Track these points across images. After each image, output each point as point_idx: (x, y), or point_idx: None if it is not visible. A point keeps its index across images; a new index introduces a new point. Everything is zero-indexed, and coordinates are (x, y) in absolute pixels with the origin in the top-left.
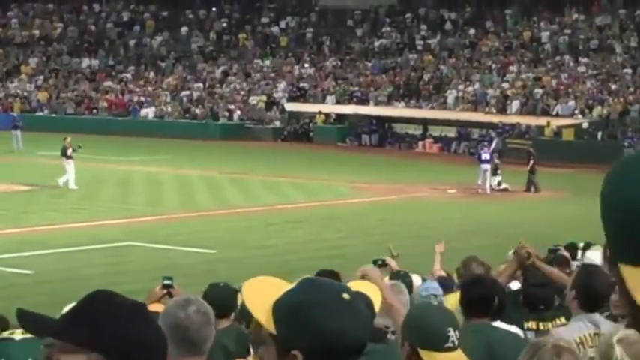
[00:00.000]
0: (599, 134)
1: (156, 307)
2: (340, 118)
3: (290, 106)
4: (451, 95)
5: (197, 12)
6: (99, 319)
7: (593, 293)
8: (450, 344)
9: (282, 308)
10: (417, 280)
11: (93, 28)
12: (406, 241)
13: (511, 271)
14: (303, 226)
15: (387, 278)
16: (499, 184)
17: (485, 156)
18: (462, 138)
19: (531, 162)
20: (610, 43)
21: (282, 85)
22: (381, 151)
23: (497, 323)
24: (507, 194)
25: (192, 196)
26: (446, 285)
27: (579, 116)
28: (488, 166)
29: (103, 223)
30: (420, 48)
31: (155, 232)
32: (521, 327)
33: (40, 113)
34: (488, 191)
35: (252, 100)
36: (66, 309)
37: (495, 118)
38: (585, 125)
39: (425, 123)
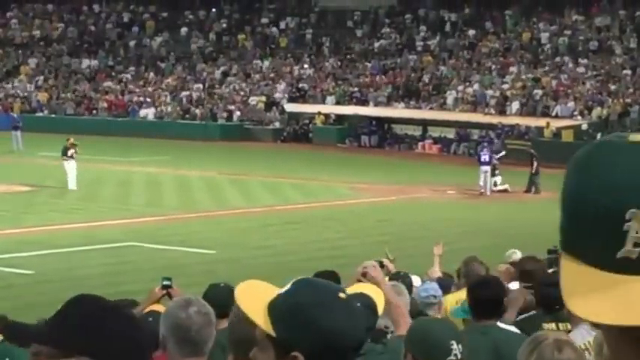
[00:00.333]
0: (599, 135)
1: (156, 308)
2: (340, 118)
3: (290, 107)
4: (451, 96)
5: (197, 13)
6: (84, 322)
7: None
8: (452, 357)
9: (280, 310)
10: (416, 281)
11: (93, 28)
12: (405, 241)
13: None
14: (302, 227)
15: (386, 280)
16: (495, 184)
17: (485, 157)
18: (462, 139)
19: (535, 164)
20: (610, 44)
21: (281, 85)
22: (380, 152)
23: (502, 324)
24: (507, 195)
25: (191, 196)
26: (444, 285)
27: (579, 117)
28: (488, 168)
29: (103, 224)
30: (419, 49)
31: (155, 233)
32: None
33: (40, 114)
34: (488, 192)
35: (252, 100)
36: None
37: (495, 119)
38: (585, 126)
39: (424, 124)
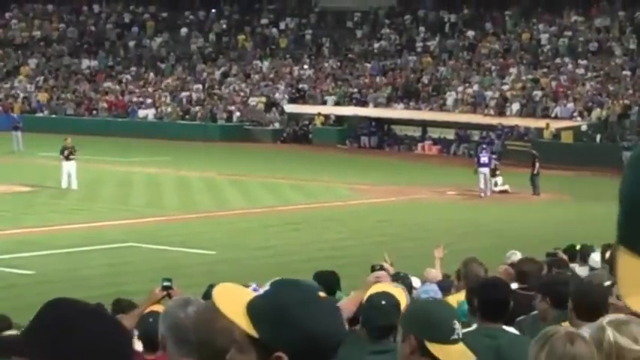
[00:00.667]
0: (598, 136)
1: (156, 309)
2: (339, 119)
3: (289, 108)
4: (450, 97)
5: (197, 13)
6: (59, 330)
7: (588, 303)
8: (455, 336)
9: (263, 310)
10: (416, 282)
11: (93, 29)
12: (405, 242)
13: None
14: (302, 228)
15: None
16: (495, 184)
17: (484, 159)
18: (462, 140)
19: (537, 165)
20: (609, 45)
21: (281, 86)
22: (380, 153)
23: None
24: (507, 196)
25: (191, 197)
26: (444, 287)
27: (578, 118)
28: (487, 169)
29: (103, 224)
30: (419, 50)
31: (155, 233)
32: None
33: (40, 114)
34: (488, 193)
35: (252, 101)
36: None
37: (495, 120)
38: (584, 127)
39: (424, 125)
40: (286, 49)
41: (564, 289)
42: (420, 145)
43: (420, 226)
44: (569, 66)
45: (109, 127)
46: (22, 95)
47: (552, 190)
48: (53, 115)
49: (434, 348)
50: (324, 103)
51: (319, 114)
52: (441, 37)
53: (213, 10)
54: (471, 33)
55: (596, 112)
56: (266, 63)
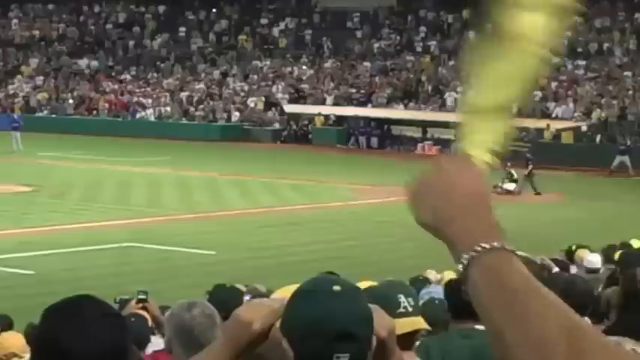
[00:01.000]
0: (598, 137)
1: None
2: (339, 119)
3: (289, 108)
4: (450, 97)
5: (197, 13)
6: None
7: (574, 303)
8: (402, 310)
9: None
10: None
11: (93, 28)
12: (405, 243)
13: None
14: (302, 228)
15: None
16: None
17: None
18: None
19: (530, 167)
20: (609, 46)
21: (281, 86)
22: (380, 153)
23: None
24: (507, 196)
25: (191, 197)
26: None
27: (578, 119)
28: None
29: (103, 224)
30: (419, 50)
31: (155, 233)
32: None
33: (40, 114)
34: None
35: (252, 101)
36: None
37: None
38: (584, 128)
39: (424, 125)
40: (286, 49)
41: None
42: (420, 145)
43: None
44: (569, 67)
45: (109, 126)
46: (22, 95)
47: (552, 191)
48: (53, 115)
49: None
50: (324, 103)
51: (319, 114)
52: (441, 38)
53: (214, 10)
54: (471, 33)
55: (596, 113)
56: (266, 63)
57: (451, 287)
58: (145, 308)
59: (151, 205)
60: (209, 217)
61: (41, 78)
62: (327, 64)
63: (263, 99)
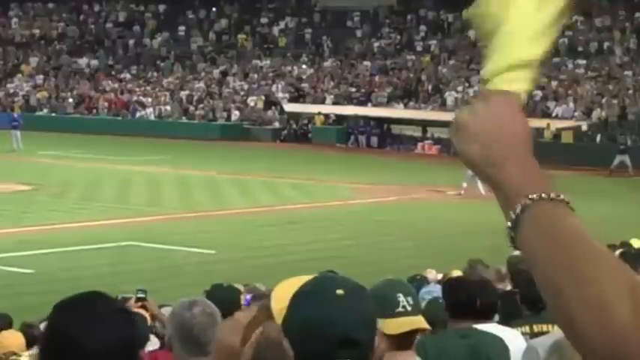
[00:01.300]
0: (598, 137)
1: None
2: (339, 119)
3: (289, 107)
4: (450, 97)
5: (197, 12)
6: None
7: None
8: (400, 309)
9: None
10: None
11: (93, 27)
12: (405, 242)
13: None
14: (301, 227)
15: None
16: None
17: None
18: None
19: None
20: (610, 45)
21: (281, 85)
22: (380, 152)
23: (487, 325)
24: None
25: (191, 196)
26: None
27: (579, 118)
28: None
29: (103, 223)
30: (419, 49)
31: (154, 232)
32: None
33: (40, 113)
34: (483, 192)
35: (251, 100)
36: None
37: None
38: (585, 127)
39: (424, 124)
40: (286, 48)
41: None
42: (419, 144)
43: (420, 225)
44: (570, 66)
45: (109, 125)
46: (22, 94)
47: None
48: (53, 114)
49: (380, 324)
50: (324, 102)
51: (319, 113)
52: (441, 37)
53: (214, 9)
54: (471, 32)
55: (597, 112)
56: (266, 62)
57: (449, 286)
58: (144, 307)
59: (150, 204)
60: (209, 216)
61: (41, 77)
62: (327, 63)
63: (263, 98)
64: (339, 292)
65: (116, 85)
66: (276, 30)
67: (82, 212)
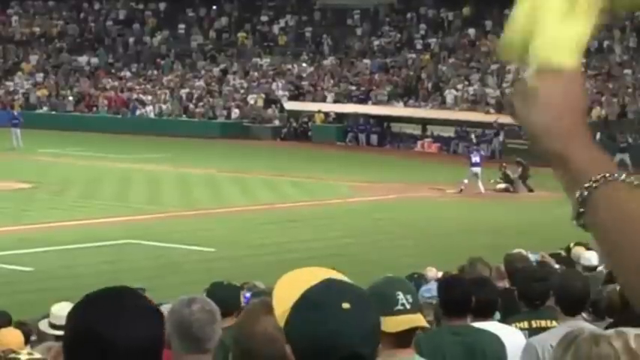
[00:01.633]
0: (598, 135)
1: None
2: (339, 117)
3: (289, 105)
4: (450, 95)
5: (197, 10)
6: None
7: (572, 298)
8: (400, 307)
9: (294, 304)
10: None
11: (93, 25)
12: (404, 240)
13: None
14: (301, 225)
15: None
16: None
17: (476, 159)
18: (461, 138)
19: (520, 170)
20: (609, 43)
21: (281, 83)
22: (379, 151)
23: (486, 324)
24: (506, 194)
25: (191, 194)
26: None
27: None
28: (479, 169)
29: (103, 221)
30: (419, 47)
31: (154, 230)
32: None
33: (40, 110)
34: (482, 191)
35: (251, 98)
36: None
37: (494, 118)
38: None
39: (424, 122)
40: (286, 46)
41: (537, 287)
42: (419, 142)
43: (420, 224)
44: None
45: (109, 123)
46: (22, 92)
47: (551, 189)
48: (53, 112)
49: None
50: (324, 100)
51: (319, 111)
52: (441, 35)
53: (214, 7)
54: (471, 31)
55: (596, 111)
56: (266, 60)
57: (444, 284)
58: None
59: (150, 202)
60: (209, 214)
61: (41, 75)
62: (327, 62)
63: (263, 96)
64: (345, 305)
65: (116, 83)
66: (276, 28)
67: (81, 210)
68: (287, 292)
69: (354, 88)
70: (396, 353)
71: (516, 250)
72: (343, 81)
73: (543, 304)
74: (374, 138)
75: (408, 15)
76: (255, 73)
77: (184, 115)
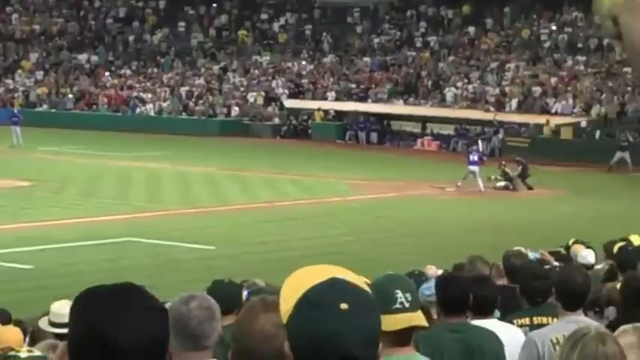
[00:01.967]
0: (598, 133)
1: None
2: (339, 115)
3: (289, 103)
4: (450, 93)
5: (197, 8)
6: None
7: (572, 293)
8: (398, 306)
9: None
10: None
11: (93, 23)
12: (404, 238)
13: None
14: (301, 223)
15: None
16: (496, 179)
17: (474, 157)
18: (461, 135)
19: (519, 169)
20: (609, 41)
21: (281, 81)
22: (379, 149)
23: (486, 322)
24: (506, 192)
25: (191, 192)
26: None
27: (578, 115)
28: (476, 168)
29: (103, 219)
30: (419, 45)
31: (154, 228)
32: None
33: (40, 108)
34: (482, 189)
35: (251, 96)
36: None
37: (494, 116)
38: (584, 124)
39: (424, 120)
40: (286, 44)
41: (539, 285)
42: (419, 140)
43: (419, 222)
44: (569, 62)
45: (109, 121)
46: (22, 89)
47: (552, 186)
48: (53, 110)
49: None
50: (324, 98)
51: (319, 109)
52: (441, 33)
53: (214, 5)
54: (471, 29)
55: (596, 109)
56: (266, 58)
57: (441, 282)
58: None
59: (150, 200)
60: (208, 212)
61: (41, 72)
62: (327, 60)
63: (263, 94)
64: (344, 306)
65: (116, 81)
66: (276, 26)
67: (81, 208)
68: (293, 289)
69: (353, 85)
70: (395, 352)
71: (516, 248)
72: (343, 79)
73: (545, 301)
74: (374, 136)
75: (408, 13)
76: (255, 71)
77: (184, 113)
